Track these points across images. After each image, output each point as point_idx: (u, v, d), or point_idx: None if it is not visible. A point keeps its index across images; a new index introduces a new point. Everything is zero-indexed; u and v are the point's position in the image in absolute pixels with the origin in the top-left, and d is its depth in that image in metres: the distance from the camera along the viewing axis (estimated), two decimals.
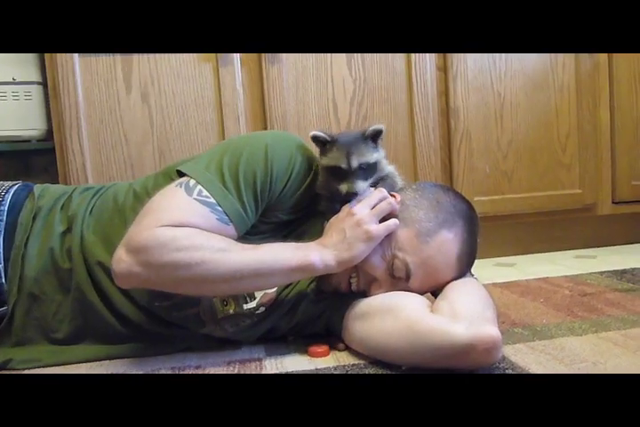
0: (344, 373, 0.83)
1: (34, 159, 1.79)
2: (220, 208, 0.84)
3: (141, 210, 0.85)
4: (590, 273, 1.45)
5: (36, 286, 0.94)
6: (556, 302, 1.18)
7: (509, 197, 1.71)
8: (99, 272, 0.93)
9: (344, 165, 0.86)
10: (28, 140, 1.66)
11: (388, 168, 0.94)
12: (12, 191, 1.00)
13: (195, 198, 0.83)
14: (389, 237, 0.87)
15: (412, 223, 0.88)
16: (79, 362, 0.94)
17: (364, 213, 0.86)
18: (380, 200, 0.88)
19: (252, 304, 0.94)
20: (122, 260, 0.80)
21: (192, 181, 0.86)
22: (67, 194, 1.02)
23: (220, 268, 0.80)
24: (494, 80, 1.70)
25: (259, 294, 0.95)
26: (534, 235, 1.83)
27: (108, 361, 0.94)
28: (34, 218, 0.97)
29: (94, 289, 0.94)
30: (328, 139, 0.89)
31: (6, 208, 0.97)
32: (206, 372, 0.87)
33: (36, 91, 1.63)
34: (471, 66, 1.68)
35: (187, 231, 0.81)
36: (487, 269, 1.59)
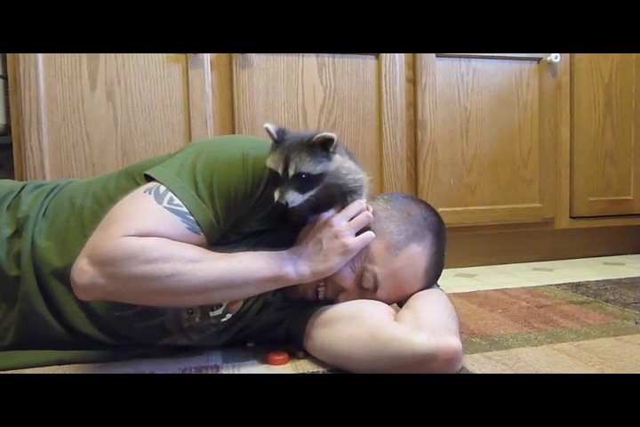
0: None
1: None
2: (191, 217, 0.80)
3: (105, 216, 0.80)
4: (547, 285, 1.49)
5: None
6: (513, 313, 1.20)
7: (472, 208, 1.75)
8: (51, 281, 0.88)
9: (280, 171, 0.78)
10: None
11: (357, 178, 0.86)
12: None
13: (165, 207, 0.79)
14: (361, 249, 0.86)
15: (383, 235, 0.88)
16: (28, 367, 0.90)
17: (342, 224, 0.85)
18: (359, 212, 0.87)
19: (219, 311, 0.91)
20: (84, 271, 0.75)
21: (162, 188, 0.81)
22: (14, 192, 0.95)
23: (192, 280, 0.77)
24: (461, 95, 1.75)
25: (225, 302, 0.92)
26: (495, 247, 1.87)
27: (57, 366, 0.90)
28: None
29: (44, 300, 0.88)
30: (275, 137, 0.80)
31: None
32: None
33: None
34: (440, 79, 1.71)
35: (155, 242, 0.76)
36: (448, 280, 1.61)
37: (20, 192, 0.95)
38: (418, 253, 0.88)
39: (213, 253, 0.81)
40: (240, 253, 0.83)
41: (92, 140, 1.45)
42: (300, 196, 0.79)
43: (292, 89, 1.59)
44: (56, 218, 0.91)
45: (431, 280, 0.93)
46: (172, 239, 0.78)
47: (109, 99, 1.45)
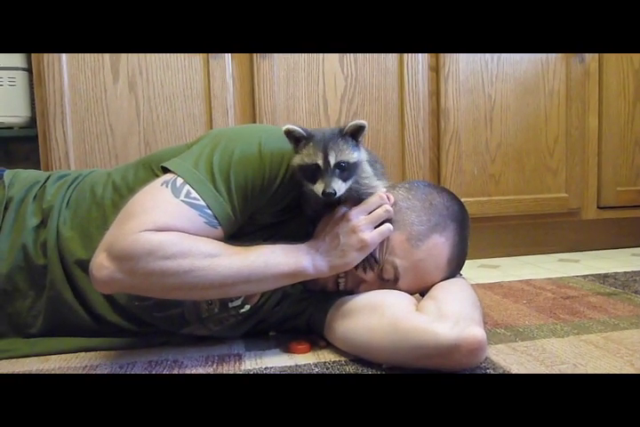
0: (324, 369, 0.82)
1: (15, 146, 1.76)
2: (209, 211, 0.79)
3: (123, 208, 0.80)
4: (573, 277, 1.45)
5: (9, 283, 0.90)
6: (538, 304, 1.18)
7: (496, 199, 1.72)
8: (76, 270, 0.89)
9: (320, 162, 0.77)
10: (10, 127, 1.62)
11: (372, 185, 0.85)
12: None
13: (182, 200, 0.78)
14: (381, 240, 0.85)
15: (404, 226, 0.86)
16: (54, 353, 0.92)
17: (360, 218, 0.84)
18: (378, 206, 0.85)
19: (237, 302, 0.91)
20: (103, 266, 0.75)
21: (179, 180, 0.80)
22: (39, 183, 0.96)
23: (210, 275, 0.77)
24: (486, 82, 1.71)
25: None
26: (519, 238, 1.84)
27: (83, 353, 0.92)
28: (5, 209, 0.92)
29: (70, 288, 0.90)
30: (304, 134, 0.79)
31: None
32: (184, 366, 0.85)
33: (21, 77, 1.60)
34: (463, 67, 1.68)
35: (173, 237, 0.76)
36: (471, 271, 1.59)
37: (45, 182, 0.97)
38: (440, 244, 0.86)
39: (231, 247, 0.80)
40: (258, 246, 0.82)
41: (115, 131, 1.47)
42: (344, 184, 0.79)
43: (313, 78, 1.57)
44: (79, 208, 0.92)
45: (454, 270, 0.91)
46: (190, 233, 0.78)
47: (131, 90, 1.47)
